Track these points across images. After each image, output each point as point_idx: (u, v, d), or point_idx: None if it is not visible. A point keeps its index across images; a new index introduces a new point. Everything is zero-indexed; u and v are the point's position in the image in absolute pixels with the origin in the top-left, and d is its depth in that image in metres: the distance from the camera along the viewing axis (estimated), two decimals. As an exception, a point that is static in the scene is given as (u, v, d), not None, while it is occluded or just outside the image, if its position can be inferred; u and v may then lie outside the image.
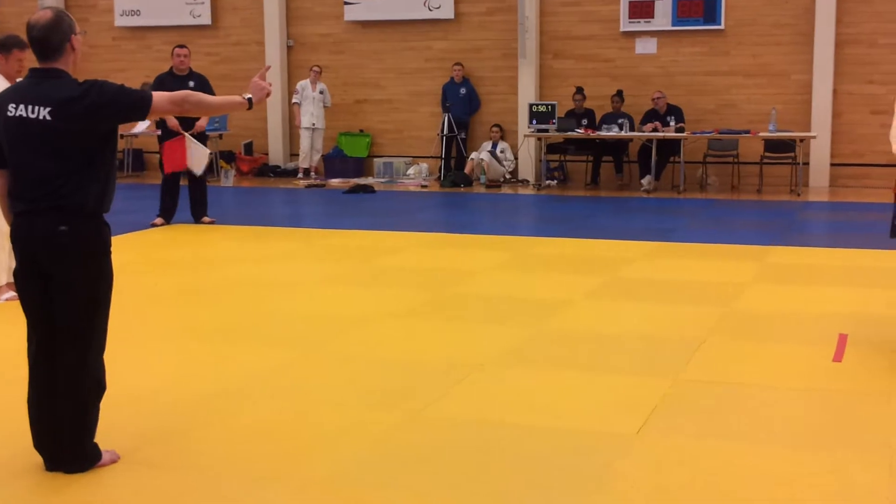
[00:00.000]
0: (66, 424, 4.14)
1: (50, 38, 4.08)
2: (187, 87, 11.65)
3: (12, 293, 7.22)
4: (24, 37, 4.57)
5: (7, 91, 4.24)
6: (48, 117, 3.99)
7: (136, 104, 4.08)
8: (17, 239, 4.13)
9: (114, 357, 4.61)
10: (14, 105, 4.05)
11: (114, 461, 4.29)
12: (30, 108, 4.02)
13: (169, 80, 11.70)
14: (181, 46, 12.03)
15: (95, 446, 4.23)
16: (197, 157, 11.59)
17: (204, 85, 11.91)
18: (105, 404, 4.30)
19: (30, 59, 6.98)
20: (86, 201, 4.05)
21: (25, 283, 4.16)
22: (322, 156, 18.04)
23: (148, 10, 19.20)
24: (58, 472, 4.17)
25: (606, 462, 4.33)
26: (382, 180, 17.36)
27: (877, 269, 8.75)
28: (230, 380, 5.55)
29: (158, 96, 4.13)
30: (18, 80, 6.99)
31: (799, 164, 15.34)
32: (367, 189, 15.69)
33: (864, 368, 5.71)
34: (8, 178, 4.14)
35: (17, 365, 4.79)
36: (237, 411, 5.01)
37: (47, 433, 4.18)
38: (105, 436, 4.34)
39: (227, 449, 4.49)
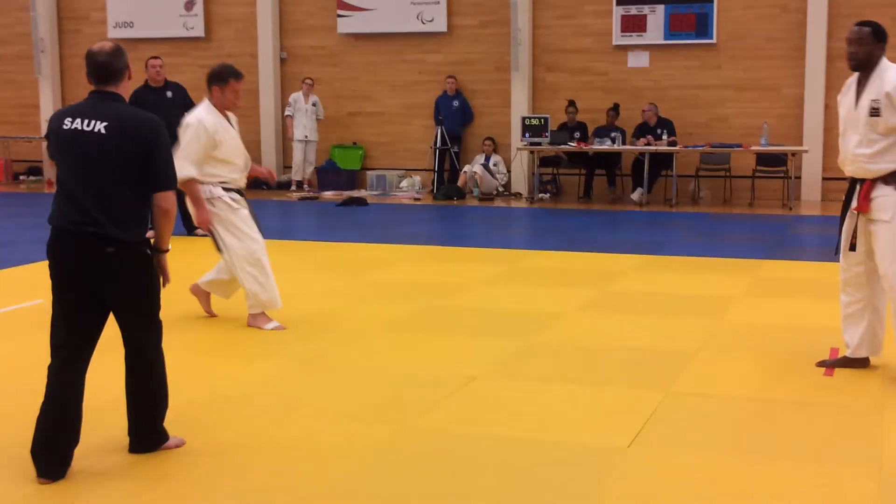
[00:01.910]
0: (154, 407, 4.54)
1: (114, 62, 4.42)
2: (165, 98, 11.64)
3: (276, 323, 7.10)
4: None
5: (65, 109, 4.49)
6: (103, 131, 4.26)
7: (167, 178, 4.38)
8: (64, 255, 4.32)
9: (105, 367, 4.61)
10: (70, 119, 4.33)
11: (179, 445, 4.62)
12: (86, 122, 4.29)
13: (145, 94, 11.66)
14: (155, 58, 11.99)
15: (164, 429, 4.63)
16: None
17: (182, 95, 11.89)
18: (93, 414, 4.31)
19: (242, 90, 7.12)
20: (129, 219, 4.32)
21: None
22: (315, 168, 18.04)
23: (141, 21, 19.21)
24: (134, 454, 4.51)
25: (597, 475, 4.33)
26: (375, 193, 17.37)
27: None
28: (219, 393, 5.54)
29: (173, 196, 4.43)
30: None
31: (791, 177, 15.38)
32: (360, 202, 15.69)
33: (855, 382, 5.72)
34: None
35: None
36: (226, 424, 5.00)
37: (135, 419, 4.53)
38: (91, 444, 4.33)
39: (216, 462, 4.48)
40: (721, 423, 5.06)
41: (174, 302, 7.93)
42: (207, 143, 6.82)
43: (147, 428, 4.55)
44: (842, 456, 4.57)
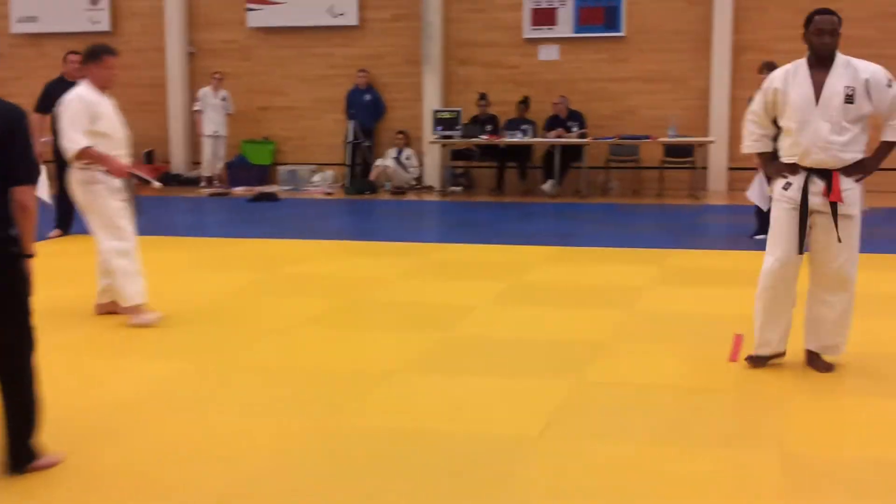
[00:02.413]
0: (25, 421, 4.20)
1: None
2: None
3: (156, 314, 7.07)
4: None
5: None
6: None
7: (27, 171, 4.10)
8: None
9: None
10: None
11: (53, 464, 4.28)
12: None
13: (58, 87, 11.40)
14: (75, 52, 11.75)
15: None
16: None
17: None
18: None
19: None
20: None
21: None
22: (225, 164, 17.86)
23: (45, 16, 18.82)
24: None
25: (508, 465, 4.36)
26: (287, 188, 17.26)
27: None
28: (130, 393, 5.46)
29: (33, 192, 4.14)
30: None
31: (698, 168, 15.66)
32: (272, 197, 15.58)
33: (764, 369, 5.84)
34: None
35: None
36: (136, 425, 4.93)
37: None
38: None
39: (125, 463, 4.42)
40: (631, 412, 5.13)
41: (71, 299, 7.81)
42: (88, 115, 6.91)
43: (14, 444, 4.20)
44: (747, 441, 4.67)
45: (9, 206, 4.08)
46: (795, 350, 6.22)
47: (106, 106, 7.07)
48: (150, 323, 6.99)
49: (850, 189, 5.54)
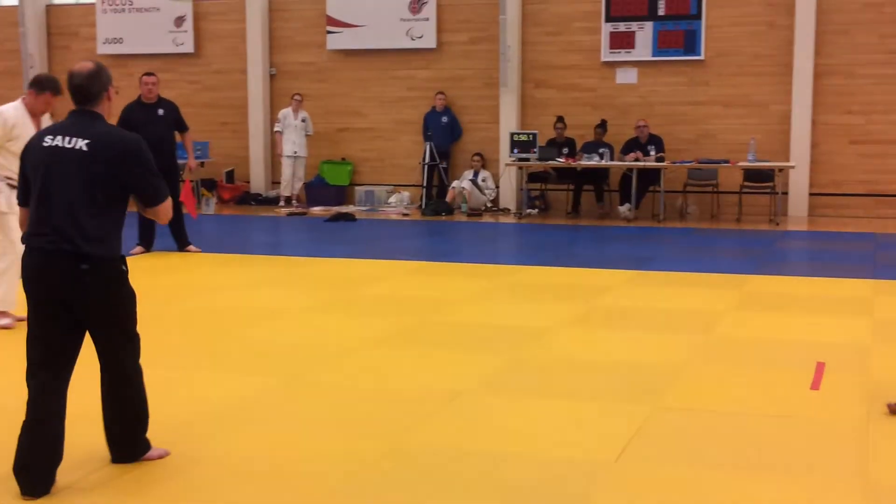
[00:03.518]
0: (136, 419, 4.57)
1: (91, 86, 4.45)
2: (156, 115, 11.65)
3: (8, 320, 7.44)
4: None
5: (45, 128, 4.59)
6: (85, 148, 4.31)
7: (154, 195, 4.49)
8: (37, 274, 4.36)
9: (89, 381, 4.60)
10: (51, 137, 4.39)
11: (162, 456, 4.66)
12: (67, 139, 4.35)
13: (137, 110, 11.65)
14: (149, 74, 11.97)
15: (147, 440, 4.66)
16: None
17: (174, 112, 11.89)
18: (74, 427, 4.31)
19: (61, 105, 7.38)
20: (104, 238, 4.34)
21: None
22: (304, 184, 18.05)
23: (130, 38, 19.23)
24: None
25: (584, 490, 4.33)
26: (364, 208, 17.37)
27: (855, 299, 8.80)
28: (206, 408, 5.53)
29: (168, 204, 4.56)
30: (45, 119, 7.45)
31: (778, 193, 15.45)
32: (349, 217, 15.69)
33: (841, 397, 5.74)
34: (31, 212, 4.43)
35: None
36: (211, 440, 4.98)
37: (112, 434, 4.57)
38: (74, 458, 4.32)
39: (198, 478, 4.47)
40: (708, 438, 5.06)
41: (155, 314, 7.94)
42: (3, 134, 7.29)
43: (129, 439, 4.56)
44: (827, 470, 4.58)
45: (118, 227, 4.44)
46: (879, 378, 6.10)
47: (26, 128, 7.32)
48: (6, 326, 7.42)
49: None
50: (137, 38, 19.20)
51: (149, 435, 4.62)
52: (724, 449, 4.88)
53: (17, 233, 7.26)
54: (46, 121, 7.56)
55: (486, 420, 5.37)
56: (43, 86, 7.42)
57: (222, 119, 18.77)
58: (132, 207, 4.53)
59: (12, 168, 7.21)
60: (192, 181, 11.90)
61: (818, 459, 4.74)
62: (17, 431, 4.28)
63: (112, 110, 4.64)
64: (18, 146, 7.17)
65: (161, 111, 11.75)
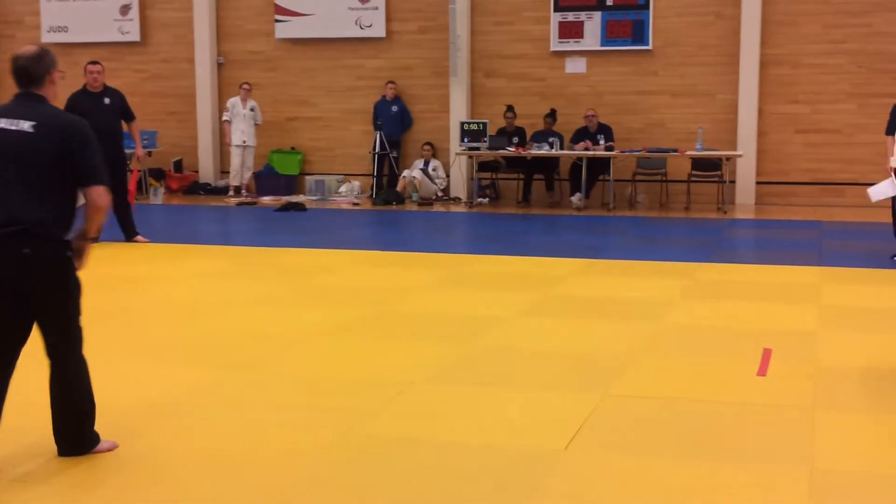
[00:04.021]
0: (81, 411, 4.50)
1: (34, 68, 4.48)
2: (102, 104, 11.52)
3: None
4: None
5: None
6: (31, 130, 4.30)
7: (92, 175, 4.41)
8: None
9: (38, 375, 4.55)
10: None
11: (111, 448, 4.59)
12: (10, 121, 4.33)
13: (83, 99, 11.51)
14: (94, 63, 11.83)
15: (96, 433, 4.58)
16: None
17: (120, 101, 11.77)
18: (24, 421, 4.27)
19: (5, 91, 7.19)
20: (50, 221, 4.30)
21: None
22: (253, 173, 17.94)
23: (76, 26, 18.98)
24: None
25: (535, 478, 4.35)
26: (314, 198, 17.31)
27: (801, 285, 8.92)
28: (157, 399, 5.49)
29: (104, 190, 4.46)
30: None
31: (725, 182, 15.60)
32: (299, 207, 15.62)
33: (788, 383, 5.82)
34: None
35: None
36: (160, 431, 4.95)
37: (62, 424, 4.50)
38: (17, 449, 4.28)
39: (149, 469, 4.44)
40: (658, 425, 5.11)
41: (104, 306, 7.86)
42: None
43: (76, 432, 4.50)
44: (775, 456, 4.64)
45: (66, 211, 4.37)
46: (826, 364, 6.19)
47: None
48: None
49: None
50: (83, 27, 18.94)
51: (99, 427, 4.58)
52: (673, 436, 4.93)
53: None
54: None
55: (437, 409, 5.38)
56: None
57: (170, 108, 18.58)
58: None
59: None
60: (139, 170, 11.78)
61: (765, 445, 4.80)
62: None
63: (58, 96, 4.61)
64: None
65: (107, 100, 11.63)
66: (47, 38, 19.01)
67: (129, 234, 11.73)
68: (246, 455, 4.62)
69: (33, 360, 4.54)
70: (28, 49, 4.52)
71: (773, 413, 5.32)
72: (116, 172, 11.64)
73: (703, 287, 8.93)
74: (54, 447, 4.53)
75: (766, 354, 6.37)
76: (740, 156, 15.73)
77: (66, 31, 19.06)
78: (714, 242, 12.24)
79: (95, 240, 4.54)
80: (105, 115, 11.47)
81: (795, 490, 4.22)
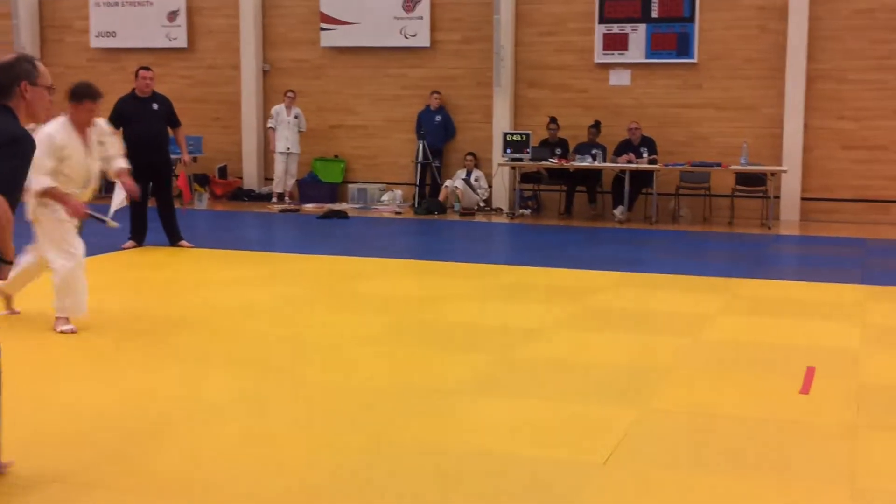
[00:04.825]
0: None
1: (1, 78, 4.25)
2: (150, 109, 11.63)
3: (71, 326, 7.26)
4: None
5: None
6: None
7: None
8: None
9: (83, 374, 4.59)
10: None
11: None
12: None
13: (131, 104, 11.65)
14: (146, 69, 11.94)
15: None
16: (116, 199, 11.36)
17: (167, 106, 11.87)
18: (65, 420, 4.29)
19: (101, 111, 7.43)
20: None
21: None
22: (296, 180, 18.04)
23: (124, 31, 19.18)
24: None
25: (573, 491, 4.33)
26: (356, 206, 17.36)
27: (845, 303, 8.82)
28: (195, 402, 5.52)
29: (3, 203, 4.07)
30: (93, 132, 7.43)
31: (770, 197, 15.48)
32: (341, 215, 15.68)
33: (831, 401, 5.76)
34: None
35: None
36: (201, 433, 4.98)
37: None
38: (63, 451, 4.31)
39: (186, 470, 4.47)
40: (698, 441, 5.07)
41: (148, 311, 7.92)
42: (55, 157, 7.14)
43: None
44: (815, 474, 4.59)
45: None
46: (869, 383, 6.12)
47: (74, 148, 7.28)
48: (69, 330, 7.19)
49: None
50: (130, 32, 19.15)
51: (141, 426, 4.57)
52: (713, 452, 4.89)
53: (71, 241, 7.31)
54: (96, 133, 7.52)
55: (473, 419, 5.37)
56: (79, 95, 7.36)
57: (214, 114, 18.73)
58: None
59: (67, 188, 7.23)
60: (186, 175, 11.88)
61: (807, 463, 4.75)
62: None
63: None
64: (70, 167, 7.26)
65: (155, 105, 11.74)
66: (95, 42, 19.26)
67: (173, 239, 11.83)
68: (275, 457, 4.63)
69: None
70: (4, 58, 4.32)
71: (815, 431, 5.27)
72: (161, 177, 11.79)
73: (744, 302, 8.86)
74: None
75: (810, 372, 6.31)
76: (785, 171, 15.60)
77: (113, 37, 19.26)
78: (757, 258, 12.14)
79: (10, 263, 4.25)
80: (152, 119, 11.61)
81: (836, 510, 4.17)
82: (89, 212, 7.36)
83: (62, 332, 7.18)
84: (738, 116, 16.42)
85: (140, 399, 4.60)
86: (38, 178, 6.94)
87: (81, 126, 7.37)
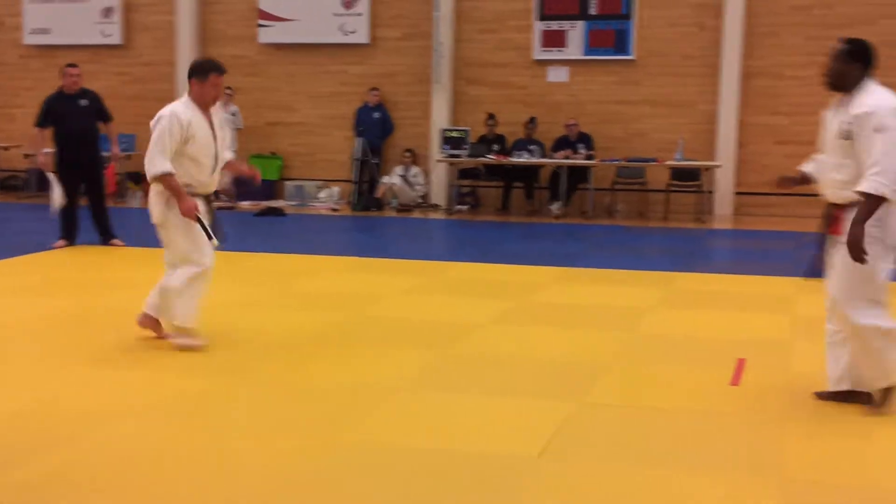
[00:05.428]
0: None
1: None
2: (78, 106, 11.47)
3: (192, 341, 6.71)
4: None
5: None
6: None
7: None
8: None
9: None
10: None
11: None
12: None
13: (59, 101, 11.49)
14: (72, 66, 11.77)
15: None
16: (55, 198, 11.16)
17: (96, 102, 11.71)
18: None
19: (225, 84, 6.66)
20: None
21: None
22: (232, 178, 17.88)
23: (58, 28, 18.90)
24: None
25: (507, 485, 4.36)
26: (293, 203, 17.28)
27: (776, 296, 8.95)
28: (133, 404, 5.46)
29: None
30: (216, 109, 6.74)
31: (704, 192, 15.66)
32: (278, 212, 15.60)
33: (761, 392, 5.84)
34: None
35: None
36: (138, 436, 4.93)
37: None
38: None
39: (124, 475, 4.42)
40: (631, 434, 5.12)
41: (79, 311, 7.82)
42: (180, 137, 6.50)
43: None
44: (746, 465, 4.66)
45: None
46: (799, 375, 6.22)
47: (200, 127, 6.63)
48: (193, 347, 6.68)
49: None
50: (64, 29, 18.86)
51: (79, 434, 4.54)
52: (646, 444, 4.94)
53: (197, 245, 6.68)
54: (218, 111, 6.85)
55: (414, 416, 5.38)
56: (204, 69, 6.71)
57: (150, 112, 18.19)
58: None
59: (193, 174, 6.64)
60: (118, 173, 11.69)
61: (738, 456, 4.82)
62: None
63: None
64: (195, 148, 6.58)
65: (84, 102, 11.57)
66: (29, 39, 18.98)
67: (105, 238, 11.69)
68: (217, 461, 4.60)
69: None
70: None
71: (746, 422, 5.34)
72: (93, 174, 11.63)
73: (679, 296, 8.96)
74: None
75: (740, 364, 6.40)
76: (719, 166, 15.80)
77: (48, 34, 18.98)
78: (691, 252, 12.28)
79: None
80: (81, 117, 11.46)
81: (766, 500, 4.24)
82: (198, 216, 6.67)
83: (181, 347, 6.65)
84: (674, 113, 16.59)
85: (64, 399, 4.54)
86: (155, 161, 6.41)
87: (207, 105, 6.70)
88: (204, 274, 6.78)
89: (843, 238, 5.24)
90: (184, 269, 6.73)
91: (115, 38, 18.78)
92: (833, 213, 5.44)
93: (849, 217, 5.20)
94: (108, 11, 18.74)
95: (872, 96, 5.23)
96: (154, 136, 6.52)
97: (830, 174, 5.40)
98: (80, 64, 11.99)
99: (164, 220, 6.72)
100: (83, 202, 11.63)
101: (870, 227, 5.13)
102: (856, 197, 5.15)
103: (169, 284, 6.75)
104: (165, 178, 6.49)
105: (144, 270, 10.07)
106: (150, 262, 10.52)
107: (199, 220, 6.67)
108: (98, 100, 11.76)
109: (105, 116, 11.87)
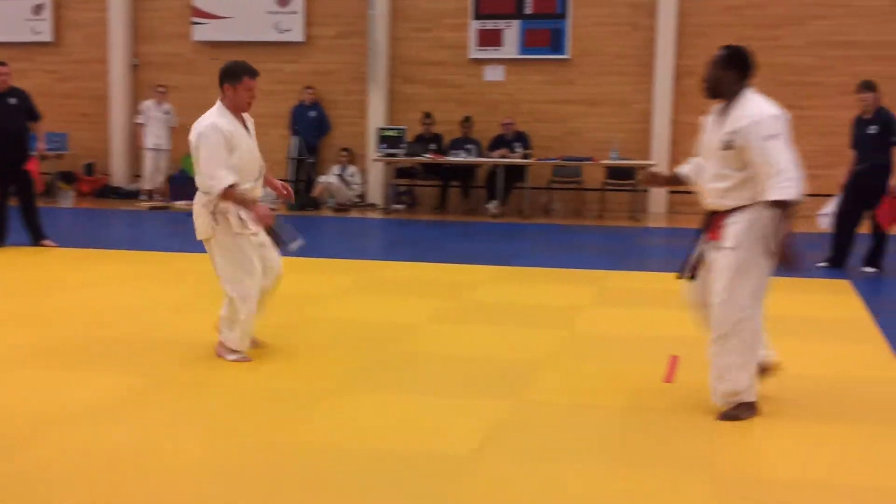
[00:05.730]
0: None
1: None
2: (7, 105, 11.28)
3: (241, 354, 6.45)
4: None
5: None
6: None
7: None
8: None
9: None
10: None
11: None
12: None
13: None
14: (2, 64, 11.56)
15: None
16: None
17: (25, 101, 11.52)
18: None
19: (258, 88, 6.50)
20: None
21: None
22: (166, 177, 17.71)
23: (-15, 24, 18.59)
24: None
25: (441, 483, 4.36)
26: (230, 203, 17.11)
27: (709, 293, 9.04)
28: (65, 407, 5.38)
29: None
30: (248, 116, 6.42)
31: (639, 190, 15.81)
32: (214, 211, 15.44)
33: (694, 389, 5.90)
34: None
35: None
36: (71, 441, 4.86)
37: None
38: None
39: (52, 480, 4.36)
40: (566, 431, 5.15)
41: (8, 314, 7.69)
42: (226, 147, 6.24)
43: None
44: (680, 461, 4.71)
45: None
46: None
47: (241, 135, 6.36)
48: (243, 360, 6.46)
49: (733, 223, 5.32)
50: (-7, 26, 18.57)
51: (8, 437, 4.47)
52: (580, 442, 4.97)
53: (247, 259, 6.41)
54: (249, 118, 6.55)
55: (350, 417, 5.36)
56: (236, 73, 6.45)
57: (82, 110, 18.27)
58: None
59: (244, 186, 6.34)
60: (48, 173, 11.54)
61: (671, 452, 4.86)
62: None
63: None
64: (238, 157, 6.26)
65: (13, 100, 11.38)
66: (-44, 36, 18.62)
67: (36, 238, 11.51)
68: (152, 464, 4.55)
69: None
70: None
71: (677, 419, 5.40)
72: (22, 174, 11.43)
73: (613, 294, 9.04)
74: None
75: (673, 361, 6.47)
76: (654, 165, 15.93)
77: (-25, 30, 18.65)
78: (625, 250, 12.39)
79: None
80: (10, 116, 11.26)
81: (699, 495, 4.28)
82: (273, 222, 6.49)
83: (233, 360, 6.43)
84: (609, 112, 16.74)
85: (12, 402, 4.46)
86: (216, 175, 6.12)
87: (241, 110, 6.42)
88: (253, 292, 6.48)
89: (724, 243, 5.31)
90: (228, 295, 6.50)
91: (46, 36, 18.51)
92: (713, 220, 5.47)
93: (729, 223, 5.27)
94: (38, 8, 18.46)
95: (752, 105, 5.26)
96: (203, 153, 6.22)
97: (711, 183, 5.42)
98: (9, 62, 11.78)
99: (210, 234, 6.50)
100: (13, 202, 11.44)
101: (757, 227, 5.18)
102: (736, 204, 5.23)
103: (221, 312, 6.54)
104: (231, 191, 6.23)
105: (77, 271, 9.96)
106: (82, 263, 10.41)
107: (270, 228, 6.50)
108: (27, 98, 11.57)
109: (34, 115, 11.69)
